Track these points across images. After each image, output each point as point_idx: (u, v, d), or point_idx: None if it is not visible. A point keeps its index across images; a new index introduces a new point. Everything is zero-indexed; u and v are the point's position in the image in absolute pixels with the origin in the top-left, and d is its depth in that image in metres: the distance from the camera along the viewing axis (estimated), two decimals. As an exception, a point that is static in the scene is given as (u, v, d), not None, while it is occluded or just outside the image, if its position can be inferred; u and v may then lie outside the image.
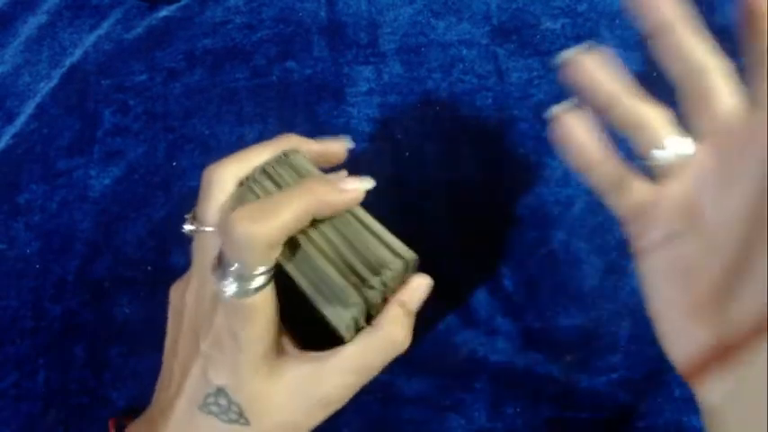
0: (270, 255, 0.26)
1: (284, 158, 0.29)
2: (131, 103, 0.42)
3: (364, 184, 0.28)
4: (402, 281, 0.29)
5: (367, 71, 0.41)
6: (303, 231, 0.27)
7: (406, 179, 0.38)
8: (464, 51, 0.41)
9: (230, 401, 0.28)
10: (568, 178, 0.38)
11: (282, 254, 0.27)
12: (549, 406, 0.33)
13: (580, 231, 0.37)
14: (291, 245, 0.27)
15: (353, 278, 0.26)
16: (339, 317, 0.26)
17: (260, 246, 0.25)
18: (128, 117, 0.42)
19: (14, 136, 0.42)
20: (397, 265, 0.27)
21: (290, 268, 0.27)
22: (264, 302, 0.27)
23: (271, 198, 0.26)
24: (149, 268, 0.38)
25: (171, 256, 0.38)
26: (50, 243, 0.40)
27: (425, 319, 0.36)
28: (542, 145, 0.38)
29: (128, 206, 0.40)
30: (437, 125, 0.39)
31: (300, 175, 0.28)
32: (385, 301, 0.29)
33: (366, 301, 0.26)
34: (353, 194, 0.28)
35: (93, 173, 0.41)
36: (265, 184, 0.28)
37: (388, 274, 0.26)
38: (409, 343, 0.29)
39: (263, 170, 0.28)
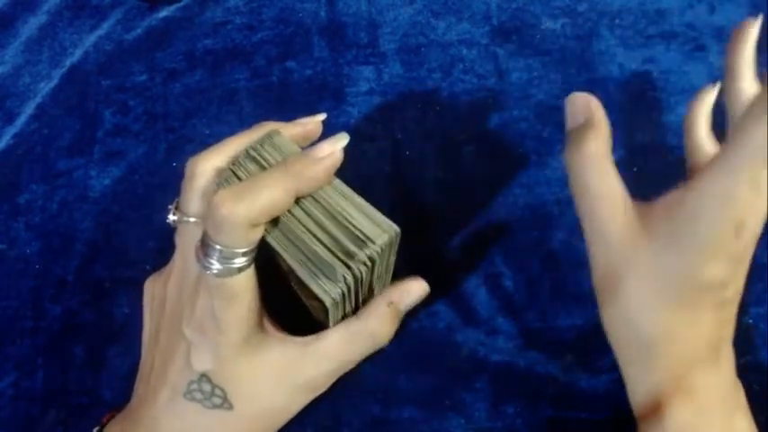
0: (252, 235, 0.26)
1: (268, 140, 0.29)
2: (131, 103, 0.42)
3: (338, 144, 0.28)
4: (388, 256, 0.29)
5: (367, 71, 0.41)
6: (288, 210, 0.27)
7: (406, 179, 0.38)
8: (464, 51, 0.41)
9: (213, 386, 0.28)
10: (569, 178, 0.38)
11: (268, 233, 0.27)
12: (549, 406, 0.33)
13: (580, 231, 0.37)
14: (277, 223, 0.27)
15: (340, 253, 0.26)
16: (327, 292, 0.26)
17: (242, 225, 0.25)
18: (128, 117, 0.42)
19: (15, 136, 0.42)
20: (382, 238, 0.27)
21: (277, 246, 0.27)
22: (247, 284, 0.27)
23: (253, 179, 0.26)
24: (149, 268, 0.38)
25: (170, 257, 0.38)
26: (50, 243, 0.40)
27: (426, 318, 0.36)
28: (542, 145, 0.38)
29: (128, 206, 0.40)
30: (437, 125, 0.39)
31: (283, 154, 0.28)
32: (371, 291, 0.30)
33: (354, 275, 0.26)
34: (331, 159, 0.27)
35: (93, 173, 0.41)
36: (249, 167, 0.28)
37: (374, 248, 0.26)
38: (390, 339, 0.30)
39: (247, 153, 0.29)
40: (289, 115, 0.41)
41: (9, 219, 0.41)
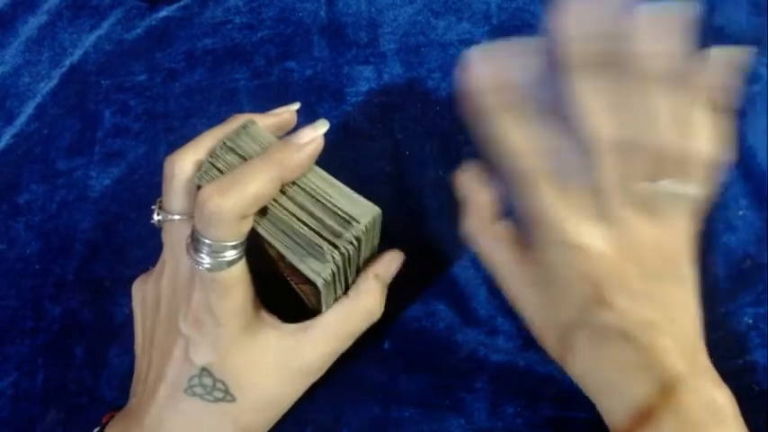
0: (241, 227, 0.26)
1: (243, 130, 0.29)
2: (131, 103, 0.42)
3: (319, 130, 0.29)
4: (372, 236, 0.30)
5: (367, 71, 0.41)
6: (272, 198, 0.28)
7: (407, 179, 0.38)
8: (464, 51, 0.41)
9: (215, 380, 0.28)
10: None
11: (255, 222, 0.27)
12: (549, 406, 0.33)
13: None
14: (263, 212, 0.28)
15: (327, 234, 0.27)
16: (318, 273, 0.27)
17: (231, 219, 0.25)
18: (128, 117, 0.42)
19: (14, 136, 0.42)
20: (366, 218, 0.28)
21: (264, 234, 0.28)
22: (240, 275, 0.28)
23: (237, 171, 0.27)
24: (149, 268, 0.38)
25: (171, 256, 0.38)
26: (50, 243, 0.40)
27: (426, 318, 0.36)
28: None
29: (128, 206, 0.40)
30: (437, 125, 0.39)
31: (260, 144, 0.29)
32: (358, 270, 0.31)
33: (341, 254, 0.27)
34: (313, 145, 0.28)
35: (93, 173, 0.41)
36: (228, 158, 0.28)
37: (358, 227, 0.27)
38: (382, 312, 0.31)
39: (224, 144, 0.29)
40: (289, 115, 0.41)
41: (9, 219, 0.41)
